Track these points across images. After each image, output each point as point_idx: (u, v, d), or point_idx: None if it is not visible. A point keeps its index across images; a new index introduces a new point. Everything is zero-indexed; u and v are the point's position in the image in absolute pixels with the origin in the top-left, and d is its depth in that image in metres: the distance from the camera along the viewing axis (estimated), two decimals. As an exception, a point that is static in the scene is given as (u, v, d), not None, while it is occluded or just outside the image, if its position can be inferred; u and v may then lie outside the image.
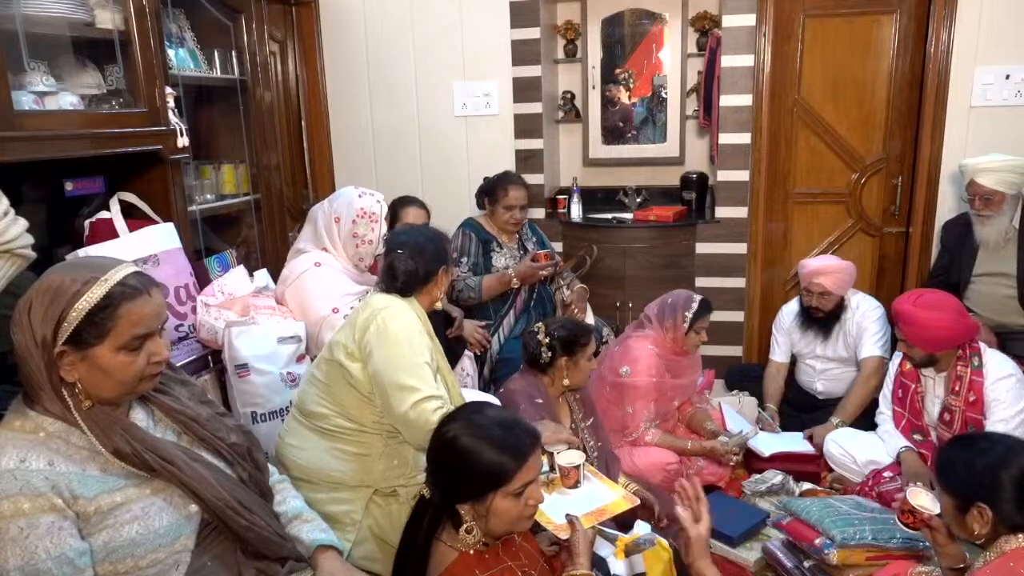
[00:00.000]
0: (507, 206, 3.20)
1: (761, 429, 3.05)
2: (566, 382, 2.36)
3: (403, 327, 1.94)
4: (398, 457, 1.99)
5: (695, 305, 2.78)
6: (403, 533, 1.51)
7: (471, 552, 1.44)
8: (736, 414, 3.15)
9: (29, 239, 1.66)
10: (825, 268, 3.11)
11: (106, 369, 1.29)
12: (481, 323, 3.04)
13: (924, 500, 1.84)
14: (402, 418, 1.88)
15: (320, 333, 2.45)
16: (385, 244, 2.23)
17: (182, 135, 2.34)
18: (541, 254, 3.12)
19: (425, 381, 1.89)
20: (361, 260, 2.63)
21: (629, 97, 4.12)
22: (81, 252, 2.14)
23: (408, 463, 2.00)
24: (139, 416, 1.41)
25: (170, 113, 2.31)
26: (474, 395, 2.50)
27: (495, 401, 2.35)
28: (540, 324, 2.39)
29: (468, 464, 1.40)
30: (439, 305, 2.18)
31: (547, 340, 2.32)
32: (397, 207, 3.13)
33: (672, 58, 4.00)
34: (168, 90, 2.31)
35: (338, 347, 1.99)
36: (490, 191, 3.26)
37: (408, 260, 2.04)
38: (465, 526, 1.43)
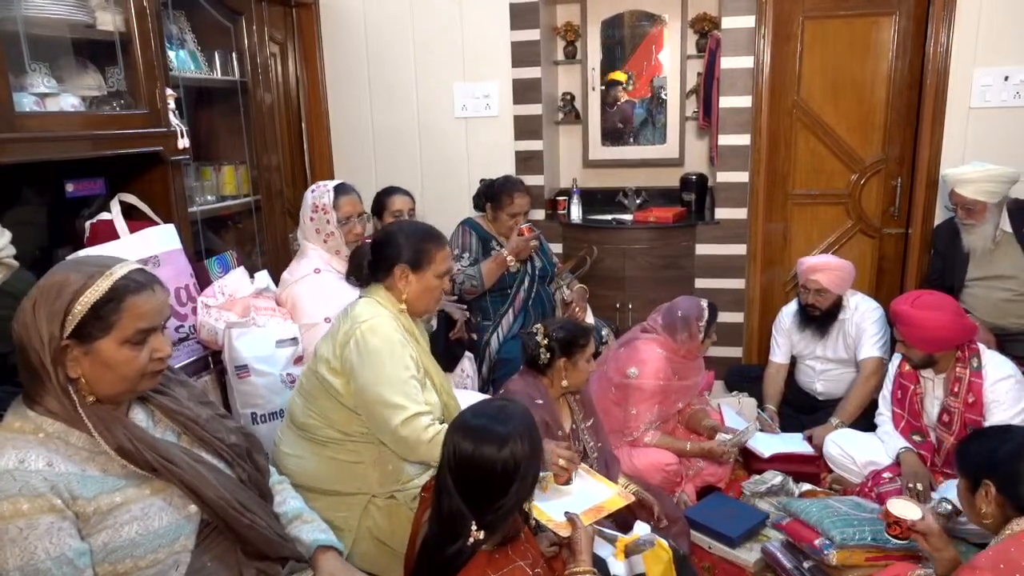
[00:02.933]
0: (512, 213, 3.21)
1: (760, 430, 3.05)
2: (564, 383, 2.35)
3: (383, 341, 1.89)
4: (392, 463, 1.97)
5: (706, 314, 2.80)
6: (428, 544, 1.51)
7: (482, 552, 1.45)
8: (735, 415, 3.15)
9: (12, 249, 1.73)
10: (822, 265, 3.12)
11: (110, 363, 1.30)
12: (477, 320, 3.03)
13: (903, 508, 1.87)
14: (391, 435, 1.88)
15: (304, 340, 2.44)
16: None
17: (183, 136, 2.34)
18: (524, 228, 3.17)
19: (412, 397, 1.87)
20: (338, 252, 2.61)
21: (627, 93, 4.12)
22: (82, 253, 2.14)
23: (403, 469, 1.98)
24: (139, 417, 1.41)
25: (171, 114, 2.32)
26: (473, 396, 2.50)
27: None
28: (539, 325, 2.38)
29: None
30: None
31: (545, 341, 2.31)
32: (383, 197, 3.16)
33: (672, 59, 4.00)
34: (169, 91, 2.32)
35: (320, 360, 1.97)
36: (494, 197, 3.25)
37: (376, 248, 2.03)
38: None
